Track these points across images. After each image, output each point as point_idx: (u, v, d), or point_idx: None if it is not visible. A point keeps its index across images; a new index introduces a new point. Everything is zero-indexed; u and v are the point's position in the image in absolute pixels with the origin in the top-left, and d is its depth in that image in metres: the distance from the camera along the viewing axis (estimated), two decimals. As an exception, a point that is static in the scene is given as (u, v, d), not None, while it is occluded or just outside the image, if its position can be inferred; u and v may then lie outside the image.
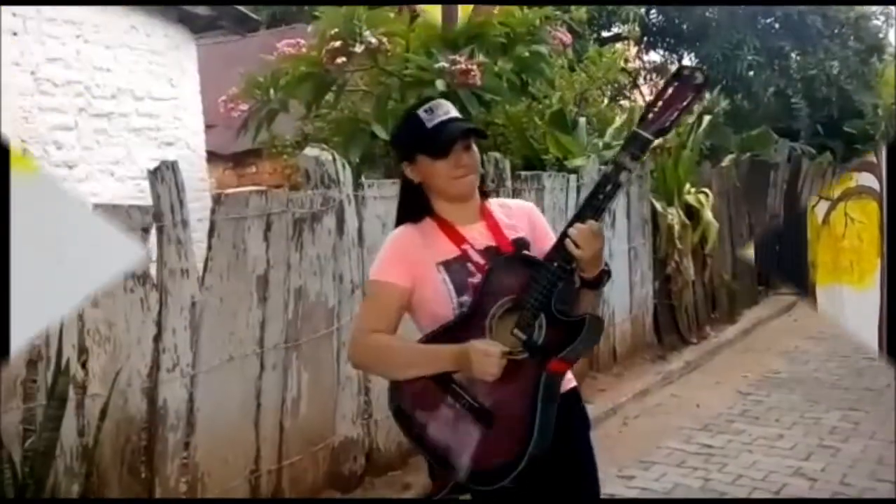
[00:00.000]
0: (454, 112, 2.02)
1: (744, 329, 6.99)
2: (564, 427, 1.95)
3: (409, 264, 1.98)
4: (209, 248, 3.08)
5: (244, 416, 3.25)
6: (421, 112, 2.00)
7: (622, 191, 1.84)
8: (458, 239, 2.00)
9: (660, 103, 1.86)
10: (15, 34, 5.57)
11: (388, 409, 3.73)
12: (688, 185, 6.36)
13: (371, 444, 3.76)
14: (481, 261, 1.97)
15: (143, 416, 2.90)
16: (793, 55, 10.41)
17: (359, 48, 4.77)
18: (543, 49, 5.32)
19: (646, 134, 1.86)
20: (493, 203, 2.13)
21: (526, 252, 2.00)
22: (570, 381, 2.08)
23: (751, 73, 9.81)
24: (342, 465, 3.63)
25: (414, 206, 2.06)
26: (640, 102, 10.12)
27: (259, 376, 3.28)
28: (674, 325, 6.34)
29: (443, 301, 1.96)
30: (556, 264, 1.86)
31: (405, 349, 1.98)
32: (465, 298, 1.95)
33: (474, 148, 2.02)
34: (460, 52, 4.75)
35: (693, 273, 6.27)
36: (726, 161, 7.70)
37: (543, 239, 2.06)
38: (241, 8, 7.43)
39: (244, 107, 5.53)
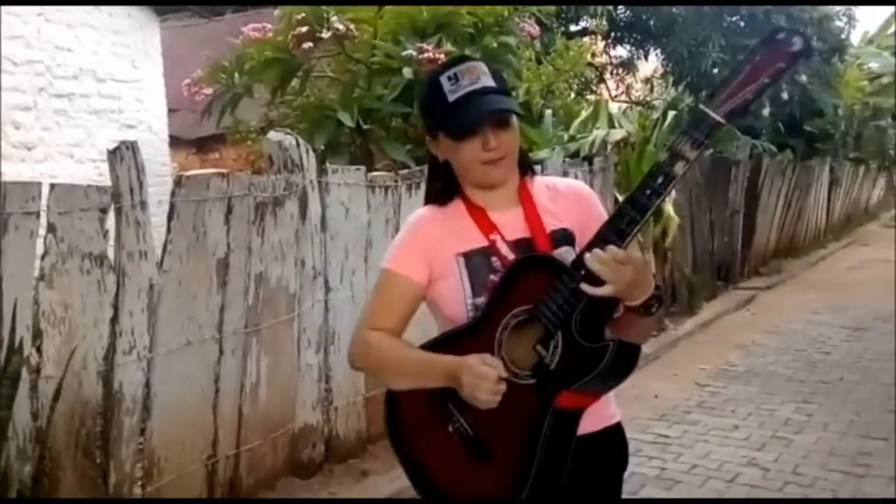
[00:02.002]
0: (486, 78, 1.62)
1: (702, 322, 7.09)
2: (590, 468, 1.67)
3: (426, 254, 1.69)
4: (168, 230, 3.04)
5: (202, 401, 3.22)
6: (443, 78, 1.62)
7: (676, 185, 1.48)
8: (487, 227, 1.67)
9: (740, 73, 1.43)
10: (-27, 11, 5.45)
11: (348, 397, 3.79)
12: (651, 180, 6.41)
13: (331, 431, 3.75)
14: (510, 255, 1.64)
15: (99, 399, 2.86)
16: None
17: (326, 34, 4.74)
18: (511, 40, 5.32)
19: (714, 115, 1.44)
20: (539, 183, 1.76)
21: (544, 253, 1.63)
22: (611, 416, 1.76)
23: (716, 70, 9.89)
24: (301, 452, 3.62)
25: (440, 186, 1.74)
26: (606, 96, 10.22)
27: (218, 361, 3.25)
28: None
29: (456, 301, 1.67)
30: (583, 272, 1.48)
31: (399, 356, 1.68)
32: (482, 300, 1.64)
33: (513, 124, 1.65)
34: (428, 41, 4.74)
35: (654, 266, 6.34)
36: (689, 156, 7.77)
37: (594, 229, 1.60)
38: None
39: (208, 91, 5.47)
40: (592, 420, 1.66)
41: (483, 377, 1.51)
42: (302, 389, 3.60)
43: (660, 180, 1.46)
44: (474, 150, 1.61)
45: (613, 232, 1.48)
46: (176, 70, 6.73)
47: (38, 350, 2.70)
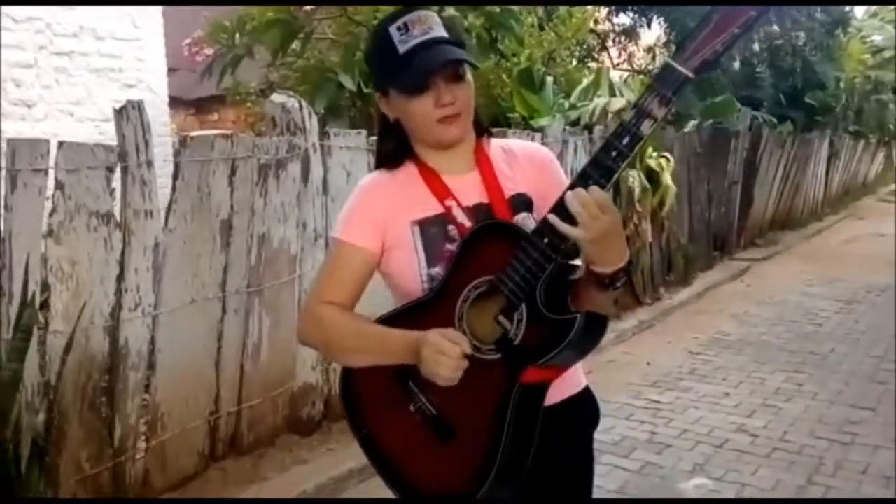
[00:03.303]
0: (438, 28, 1.52)
1: (697, 292, 7.16)
2: (561, 436, 1.62)
3: (377, 222, 1.58)
4: (173, 189, 3.08)
5: (205, 359, 3.28)
6: (392, 29, 1.51)
7: (643, 145, 1.37)
8: (442, 192, 1.57)
9: (709, 24, 1.32)
10: (-26, -34, 5.41)
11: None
12: (650, 150, 6.45)
13: (330, 390, 3.82)
14: (467, 222, 1.55)
15: (105, 354, 2.92)
16: (759, 24, 10.46)
17: (328, 4, 4.75)
18: (514, 6, 5.33)
19: (682, 69, 1.33)
20: (495, 145, 1.66)
21: (503, 220, 1.54)
22: (579, 382, 1.71)
23: (718, 40, 9.86)
24: (301, 410, 3.69)
25: (391, 148, 1.63)
26: (608, 64, 10.18)
27: (221, 320, 3.31)
28: (629, 285, 6.47)
29: (410, 272, 1.58)
30: (546, 240, 1.40)
31: (355, 330, 1.56)
32: (437, 271, 1.55)
33: (468, 79, 1.54)
34: (430, 8, 4.74)
35: (650, 235, 6.39)
36: (689, 127, 7.80)
37: (555, 197, 1.50)
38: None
39: (209, 51, 5.49)
40: (562, 388, 1.61)
41: (444, 352, 1.40)
42: (302, 349, 3.66)
43: (626, 141, 1.36)
44: (428, 105, 1.51)
45: None
46: (175, 29, 6.71)
47: (43, 305, 2.75)
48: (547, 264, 1.41)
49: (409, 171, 1.61)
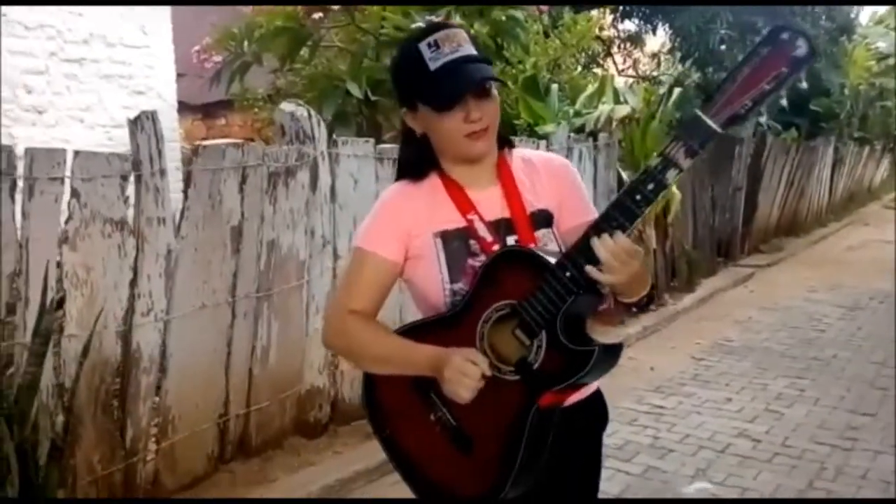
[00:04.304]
0: (467, 45, 1.55)
1: (701, 298, 7.19)
2: (571, 436, 1.66)
3: (401, 233, 1.63)
4: (185, 197, 3.15)
5: (215, 362, 3.34)
6: (423, 46, 1.54)
7: (667, 192, 1.40)
8: (465, 206, 1.62)
9: (739, 77, 1.34)
10: (-14, -26, 5.49)
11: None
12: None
13: (336, 393, 3.88)
14: (488, 237, 1.60)
15: (118, 358, 2.99)
16: (765, 31, 10.48)
17: (336, 5, 4.81)
18: (519, 14, 5.39)
19: (711, 123, 1.35)
20: (516, 157, 1.71)
21: (528, 248, 1.58)
22: (591, 386, 1.74)
23: (723, 46, 9.88)
24: (308, 413, 3.75)
25: (415, 160, 1.67)
26: (613, 71, 10.23)
27: (230, 324, 3.37)
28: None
29: (433, 285, 1.63)
30: (568, 274, 1.45)
31: (379, 341, 1.63)
32: (460, 286, 1.60)
33: (494, 94, 1.59)
34: (437, 14, 4.81)
35: (654, 242, 6.44)
36: (693, 133, 7.82)
37: (576, 211, 1.64)
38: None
39: (217, 58, 5.55)
40: (578, 391, 1.66)
41: (466, 374, 1.48)
42: (309, 353, 3.73)
43: (650, 187, 1.40)
44: (457, 121, 1.55)
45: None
46: (183, 36, 6.78)
47: (58, 306, 2.80)
48: (568, 297, 1.46)
49: (433, 182, 1.66)
